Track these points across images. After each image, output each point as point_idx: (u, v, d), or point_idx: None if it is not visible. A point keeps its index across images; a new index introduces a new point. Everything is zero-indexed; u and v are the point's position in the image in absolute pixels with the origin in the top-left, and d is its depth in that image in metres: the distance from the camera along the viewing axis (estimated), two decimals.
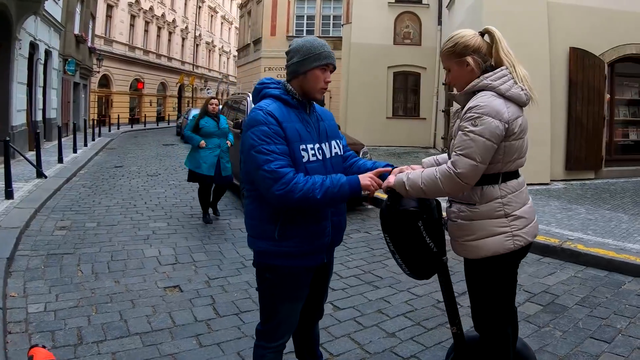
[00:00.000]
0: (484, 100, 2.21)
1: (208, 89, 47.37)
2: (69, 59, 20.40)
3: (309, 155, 2.31)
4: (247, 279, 4.88)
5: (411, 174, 2.28)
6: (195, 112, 22.07)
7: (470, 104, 2.24)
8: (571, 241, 5.87)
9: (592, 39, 10.03)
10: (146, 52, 36.84)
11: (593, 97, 10.39)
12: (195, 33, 45.90)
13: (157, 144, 20.94)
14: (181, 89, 43.01)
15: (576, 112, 10.29)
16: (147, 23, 37.09)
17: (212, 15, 51.48)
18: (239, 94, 12.81)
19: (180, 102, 43.31)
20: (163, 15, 39.15)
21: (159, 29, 39.11)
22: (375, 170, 2.40)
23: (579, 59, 10.16)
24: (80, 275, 4.76)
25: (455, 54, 2.35)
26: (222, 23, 54.60)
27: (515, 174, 2.36)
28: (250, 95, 9.68)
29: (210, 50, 51.19)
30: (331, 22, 26.05)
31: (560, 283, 4.95)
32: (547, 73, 9.90)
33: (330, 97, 22.08)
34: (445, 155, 2.66)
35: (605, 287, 4.82)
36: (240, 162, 2.46)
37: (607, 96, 10.88)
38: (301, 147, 2.29)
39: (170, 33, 41.08)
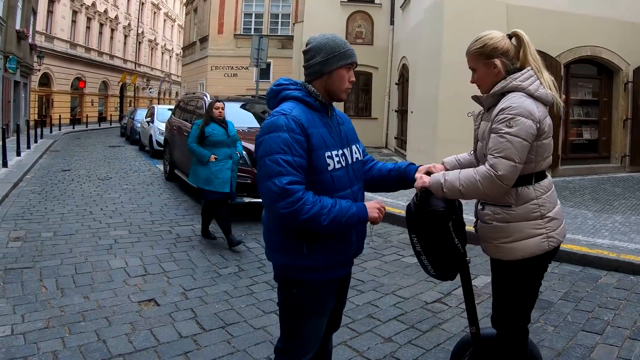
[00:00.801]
0: (515, 101, 2.21)
1: (150, 89, 46.23)
2: (10, 56, 19.33)
3: (334, 163, 2.16)
4: (224, 288, 4.67)
5: (448, 175, 2.26)
6: (142, 112, 21.62)
7: (501, 105, 2.24)
8: None
9: (549, 41, 10.23)
10: (88, 49, 35.54)
11: None
12: (137, 30, 44.67)
13: (103, 145, 20.16)
14: (123, 88, 41.75)
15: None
16: (89, 19, 35.79)
17: (155, 12, 50.26)
18: (193, 93, 12.40)
19: (122, 102, 42.04)
20: (105, 11, 37.87)
21: (101, 25, 37.84)
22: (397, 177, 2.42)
23: None
24: (44, 292, 4.39)
25: (483, 55, 2.34)
26: (165, 20, 53.39)
27: (544, 174, 2.38)
28: (208, 96, 9.53)
29: (152, 49, 49.94)
30: (279, 20, 25.85)
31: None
32: None
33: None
34: (465, 155, 2.68)
35: (583, 282, 4.99)
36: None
37: (563, 96, 11.14)
38: (327, 154, 2.13)
39: (112, 30, 39.80)
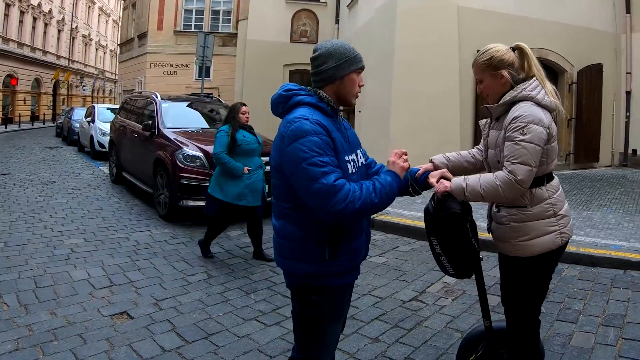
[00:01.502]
0: (526, 109, 2.37)
1: (84, 86, 44.65)
2: None
3: (351, 167, 2.18)
4: (197, 296, 4.54)
5: (469, 179, 2.40)
6: (80, 111, 20.77)
7: (513, 114, 2.39)
8: None
9: (497, 42, 10.45)
10: (20, 44, 33.87)
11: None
12: (71, 25, 42.94)
13: (39, 146, 19.25)
14: (56, 86, 40.04)
15: (483, 112, 10.74)
16: (22, 13, 34.11)
17: (89, 7, 48.47)
18: (140, 93, 12.01)
19: (56, 100, 40.37)
20: (39, 4, 36.16)
21: (35, 19, 36.12)
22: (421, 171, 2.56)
23: None
24: (6, 309, 4.10)
25: (491, 66, 2.49)
26: (99, 15, 51.60)
27: (552, 175, 2.55)
28: (159, 96, 9.25)
29: (86, 44, 48.18)
30: (221, 17, 25.40)
31: None
32: (456, 74, 10.28)
33: (219, 95, 21.51)
34: (453, 153, 2.85)
35: (555, 274, 5.05)
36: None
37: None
38: (346, 158, 2.15)
39: (46, 25, 38.14)
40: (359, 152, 2.34)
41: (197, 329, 3.86)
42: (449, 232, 2.44)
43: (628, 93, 13.64)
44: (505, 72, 2.46)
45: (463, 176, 2.45)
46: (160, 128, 8.28)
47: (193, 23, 25.15)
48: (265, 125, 11.66)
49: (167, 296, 4.53)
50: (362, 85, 2.31)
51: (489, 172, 2.60)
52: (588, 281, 5.00)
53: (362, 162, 2.35)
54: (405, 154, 2.32)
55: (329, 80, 2.21)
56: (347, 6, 16.38)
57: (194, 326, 3.90)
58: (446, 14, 10.29)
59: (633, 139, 13.05)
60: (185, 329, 3.84)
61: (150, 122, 8.55)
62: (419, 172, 2.57)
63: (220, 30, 24.69)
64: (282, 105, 2.21)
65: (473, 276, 2.64)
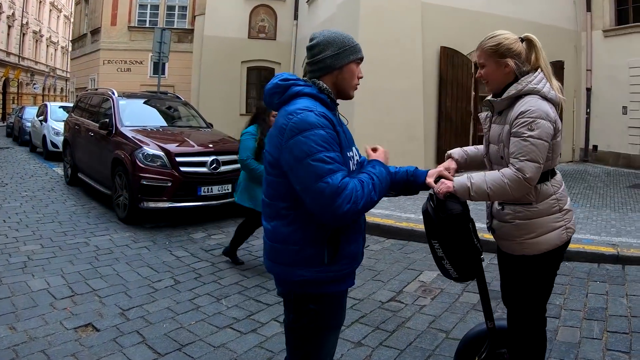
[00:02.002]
0: (533, 103, 2.29)
1: (35, 84, 43.17)
2: None
3: (352, 164, 2.07)
4: (166, 304, 4.34)
5: (473, 178, 2.29)
6: (31, 110, 20.00)
7: (520, 108, 2.30)
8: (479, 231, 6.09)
9: (461, 38, 10.58)
10: None
11: (461, 94, 11.03)
12: (22, 21, 41.35)
13: None
14: (6, 84, 38.54)
15: (446, 108, 10.85)
16: None
17: (40, 2, 46.77)
18: (95, 90, 11.57)
19: (5, 99, 38.88)
20: None
21: None
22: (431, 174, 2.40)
23: (449, 58, 10.70)
24: None
25: (497, 53, 2.38)
26: (50, 11, 49.86)
27: (555, 170, 2.48)
28: (116, 93, 8.92)
29: (37, 41, 46.53)
30: (176, 12, 24.76)
31: (486, 270, 5.01)
32: (420, 70, 10.27)
33: (174, 91, 21.03)
34: (472, 148, 2.75)
35: None
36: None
37: (473, 93, 11.61)
38: (348, 154, 2.05)
39: None
40: (354, 148, 2.21)
41: (169, 339, 3.67)
42: (452, 235, 2.35)
43: (588, 90, 14.03)
44: (511, 62, 2.37)
45: (465, 175, 2.35)
46: (117, 126, 7.97)
47: (148, 18, 24.45)
48: (225, 123, 11.58)
49: (134, 305, 4.30)
50: (361, 77, 2.17)
51: (490, 167, 2.54)
52: (565, 275, 5.03)
53: (357, 160, 2.21)
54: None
55: (327, 70, 2.09)
56: (307, 2, 16.24)
57: (165, 337, 3.71)
58: (410, 11, 10.28)
59: (593, 134, 13.38)
60: (157, 341, 3.64)
61: (107, 120, 8.21)
62: (430, 172, 2.42)
63: (175, 26, 24.10)
64: (278, 95, 2.07)
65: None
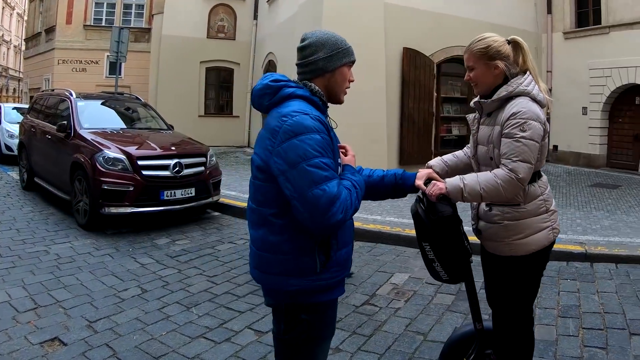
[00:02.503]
0: (524, 105, 2.32)
1: None
2: None
3: (340, 169, 2.04)
4: (134, 315, 4.21)
5: (466, 179, 2.32)
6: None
7: (511, 109, 2.33)
8: None
9: (423, 40, 10.70)
10: None
11: (423, 95, 11.15)
12: None
13: None
14: None
15: (408, 109, 10.95)
16: None
17: None
18: (52, 90, 11.17)
19: None
20: None
21: None
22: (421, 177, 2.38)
23: (412, 59, 10.80)
24: None
25: (487, 55, 2.43)
26: (3, 8, 47.97)
27: (540, 172, 2.53)
28: (74, 94, 8.63)
29: None
30: (133, 11, 24.19)
31: None
32: (382, 71, 10.32)
33: (130, 92, 20.52)
34: (450, 156, 2.80)
35: None
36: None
37: (435, 94, 11.75)
38: (339, 160, 2.02)
39: None
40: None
41: (141, 352, 3.56)
42: (443, 236, 2.37)
43: (549, 91, 14.35)
44: (501, 64, 2.41)
45: (458, 176, 2.36)
46: (76, 129, 7.72)
47: (104, 17, 23.80)
48: (183, 124, 11.39)
49: (101, 316, 4.16)
50: (352, 81, 2.15)
51: (477, 168, 2.56)
52: None
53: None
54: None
55: (319, 72, 2.05)
56: (267, 2, 16.15)
57: (136, 349, 3.60)
58: (373, 11, 10.34)
59: (554, 135, 13.68)
60: (128, 354, 3.53)
61: (65, 122, 7.93)
62: (418, 175, 2.40)
63: (132, 25, 23.57)
64: (269, 97, 2.02)
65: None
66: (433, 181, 2.35)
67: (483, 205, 2.53)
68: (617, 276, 5.23)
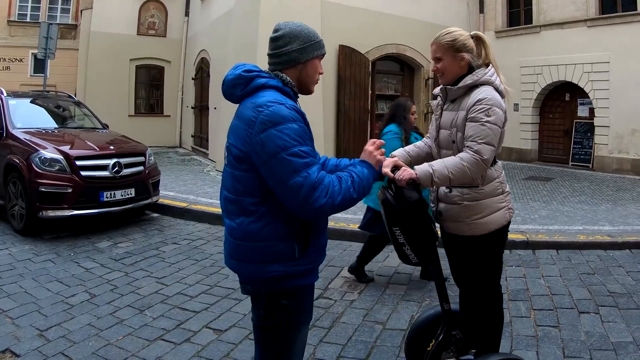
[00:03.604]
0: (489, 93, 2.53)
1: None
2: None
3: (318, 157, 2.12)
4: (86, 320, 4.11)
5: (434, 165, 2.46)
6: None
7: (477, 96, 2.53)
8: None
9: (359, 37, 10.87)
10: None
11: (359, 92, 11.33)
12: None
13: None
14: None
15: (345, 106, 11.10)
16: None
17: None
18: None
19: None
20: None
21: None
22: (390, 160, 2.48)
23: (347, 56, 10.96)
24: None
25: (454, 48, 2.61)
26: None
27: (495, 158, 2.67)
28: (4, 92, 8.18)
29: None
30: (59, 6, 23.21)
31: (402, 264, 5.35)
32: None
33: (56, 90, 19.58)
34: (411, 147, 2.99)
35: (443, 260, 5.38)
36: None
37: (370, 91, 11.97)
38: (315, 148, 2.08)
39: None
40: None
41: (99, 358, 3.49)
42: (413, 220, 2.49)
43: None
44: (467, 56, 2.61)
45: (426, 163, 2.51)
46: (9, 129, 7.37)
47: (29, 12, 22.61)
48: (113, 124, 11.03)
49: (51, 324, 4.02)
50: (322, 74, 2.22)
51: (438, 152, 2.74)
52: None
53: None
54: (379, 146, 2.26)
55: (291, 64, 2.11)
56: None
57: (94, 356, 3.52)
58: (310, 8, 10.42)
59: None
60: None
61: None
62: (384, 163, 2.44)
63: (58, 21, 22.58)
64: (241, 87, 2.05)
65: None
66: (402, 168, 2.47)
67: (443, 188, 2.69)
68: (559, 261, 5.64)
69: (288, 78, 2.10)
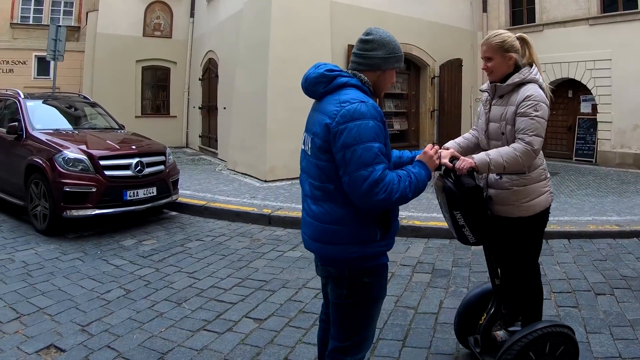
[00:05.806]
0: (536, 90, 2.79)
1: None
2: None
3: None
4: (126, 315, 4.17)
5: (491, 154, 2.73)
6: None
7: (525, 93, 2.79)
8: (406, 219, 6.66)
9: None
10: None
11: None
12: None
13: None
14: None
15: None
16: None
17: None
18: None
19: None
20: None
21: None
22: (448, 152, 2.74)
23: None
24: None
25: (503, 48, 2.86)
26: None
27: None
28: (22, 94, 8.24)
29: None
30: (62, 8, 23.31)
31: (424, 254, 5.74)
32: None
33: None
34: (460, 139, 3.26)
35: (460, 251, 5.77)
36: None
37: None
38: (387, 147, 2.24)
39: None
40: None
41: (146, 350, 3.58)
42: (473, 204, 2.73)
43: None
44: (515, 56, 2.85)
45: (483, 152, 2.79)
46: (28, 130, 7.45)
47: (31, 15, 22.66)
48: (123, 124, 11.11)
49: (91, 319, 4.09)
50: (393, 84, 2.43)
51: (487, 143, 2.98)
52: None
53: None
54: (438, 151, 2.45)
55: (374, 67, 2.26)
56: None
57: (141, 347, 3.62)
58: (320, 9, 10.50)
59: None
60: (133, 352, 3.54)
61: (15, 123, 7.61)
62: (442, 155, 2.70)
63: (60, 23, 22.61)
64: (323, 85, 2.21)
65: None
66: (462, 157, 2.72)
67: (493, 175, 2.93)
68: (572, 249, 5.85)
69: (366, 78, 2.25)
